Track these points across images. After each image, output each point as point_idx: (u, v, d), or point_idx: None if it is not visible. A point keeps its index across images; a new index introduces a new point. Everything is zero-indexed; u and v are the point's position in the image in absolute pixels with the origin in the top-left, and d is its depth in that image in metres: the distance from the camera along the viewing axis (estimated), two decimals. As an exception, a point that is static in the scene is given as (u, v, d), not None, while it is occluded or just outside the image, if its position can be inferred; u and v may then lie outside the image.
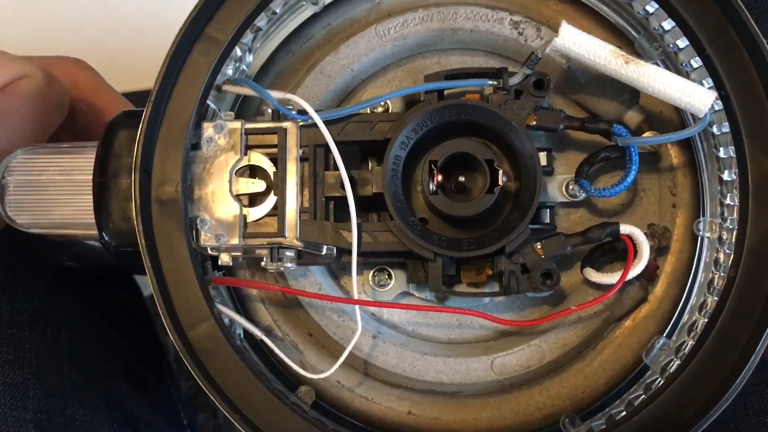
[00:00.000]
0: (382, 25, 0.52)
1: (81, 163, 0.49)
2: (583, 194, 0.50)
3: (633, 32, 0.51)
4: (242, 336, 0.50)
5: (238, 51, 0.50)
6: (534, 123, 0.48)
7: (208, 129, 0.47)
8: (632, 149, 0.47)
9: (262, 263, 0.48)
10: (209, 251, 0.47)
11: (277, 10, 0.51)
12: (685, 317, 0.49)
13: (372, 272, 0.50)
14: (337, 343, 0.50)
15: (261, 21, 0.50)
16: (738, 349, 0.43)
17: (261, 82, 0.53)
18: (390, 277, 0.50)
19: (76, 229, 0.50)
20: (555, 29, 0.51)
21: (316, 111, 0.47)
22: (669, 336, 0.49)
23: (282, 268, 0.48)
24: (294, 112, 0.47)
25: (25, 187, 0.50)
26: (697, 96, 0.45)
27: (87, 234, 0.50)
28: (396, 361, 0.49)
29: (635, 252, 0.48)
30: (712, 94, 0.45)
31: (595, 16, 0.52)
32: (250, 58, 0.52)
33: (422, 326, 0.51)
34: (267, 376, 0.48)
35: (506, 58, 0.53)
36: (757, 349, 0.41)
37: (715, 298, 0.46)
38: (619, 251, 0.49)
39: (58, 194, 0.49)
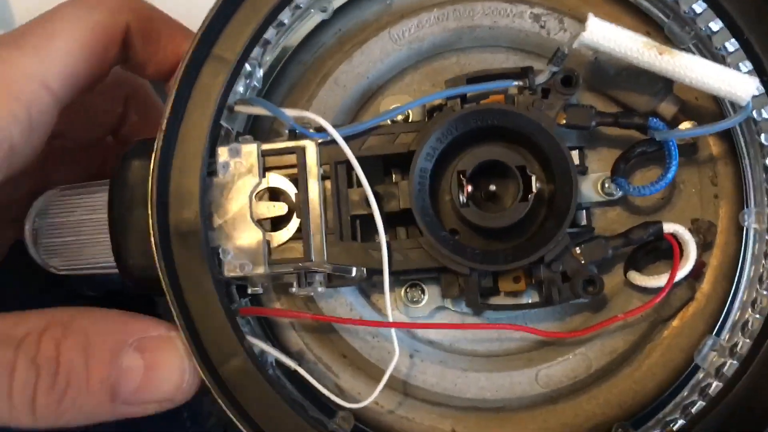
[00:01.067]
0: (395, 28, 0.50)
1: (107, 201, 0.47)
2: (620, 192, 0.47)
3: (662, 16, 0.48)
4: (274, 363, 0.48)
5: (247, 67, 0.48)
6: (564, 121, 0.45)
7: (223, 153, 0.45)
8: (671, 143, 0.45)
9: (291, 289, 0.46)
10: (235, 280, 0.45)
11: (285, 21, 0.49)
12: (736, 314, 0.46)
13: (404, 288, 0.48)
14: (372, 365, 0.48)
15: (269, 33, 0.48)
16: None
17: (273, 95, 0.51)
18: (423, 292, 0.48)
19: (106, 268, 0.49)
20: (579, 19, 0.49)
21: (334, 126, 0.45)
22: (718, 334, 0.46)
23: (311, 293, 0.46)
24: (311, 129, 0.45)
25: (56, 230, 0.49)
26: (737, 84, 0.42)
27: (114, 272, 0.48)
28: (436, 380, 0.47)
29: (681, 251, 0.45)
30: (754, 81, 0.42)
31: (621, 1, 0.49)
32: (260, 72, 0.49)
33: (460, 341, 0.49)
34: (303, 404, 0.46)
35: (529, 52, 0.50)
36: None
37: (766, 292, 0.44)
38: (662, 250, 0.47)
39: (88, 234, 0.48)
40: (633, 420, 0.46)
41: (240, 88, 0.48)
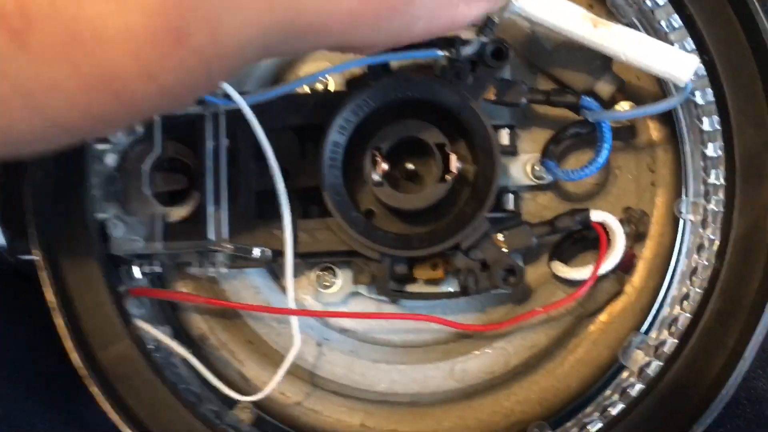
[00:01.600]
0: (319, -12, 0.45)
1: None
2: (551, 176, 0.44)
3: (606, -15, 0.45)
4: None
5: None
6: (493, 97, 0.42)
7: (116, 117, 0.41)
8: (603, 125, 0.42)
9: (189, 269, 0.42)
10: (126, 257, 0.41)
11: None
12: (666, 310, 0.43)
13: (315, 272, 0.45)
14: (278, 353, 0.44)
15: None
16: (724, 352, 0.38)
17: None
18: (336, 276, 0.45)
19: None
20: (515, -13, 0.45)
21: (243, 92, 0.41)
22: (647, 332, 0.44)
23: (213, 273, 0.43)
24: (220, 95, 0.41)
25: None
26: (676, 63, 0.39)
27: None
28: (344, 371, 0.44)
29: (609, 242, 0.42)
30: (695, 60, 0.39)
31: (563, -30, 0.46)
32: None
33: (375, 329, 0.46)
34: (198, 394, 0.42)
35: (463, 21, 0.46)
36: (745, 354, 0.36)
37: (699, 290, 0.41)
38: (591, 239, 0.44)
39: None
40: (552, 420, 0.44)
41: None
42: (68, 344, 0.37)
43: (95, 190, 0.40)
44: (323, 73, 0.43)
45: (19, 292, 0.58)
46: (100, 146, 0.41)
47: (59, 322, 0.37)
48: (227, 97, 0.41)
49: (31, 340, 0.56)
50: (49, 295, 0.38)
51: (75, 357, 0.37)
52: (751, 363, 0.38)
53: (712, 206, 0.42)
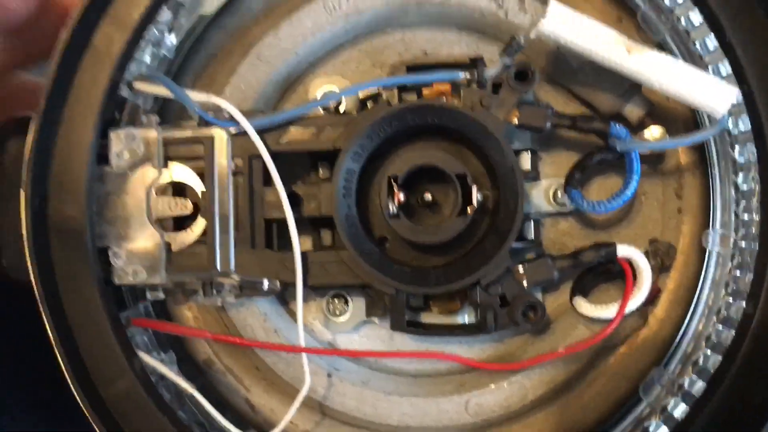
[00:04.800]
0: (332, -4, 0.43)
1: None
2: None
3: (637, 0, 0.42)
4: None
5: (155, 32, 0.41)
6: (516, 120, 0.40)
7: (117, 139, 0.39)
8: (633, 155, 0.39)
9: (194, 298, 0.40)
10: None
11: (202, -20, 0.42)
12: (688, 346, 0.42)
13: (326, 299, 0.43)
14: (287, 383, 0.43)
15: (182, -6, 0.41)
16: (750, 410, 0.36)
17: (189, 67, 0.44)
18: (347, 303, 0.43)
19: None
20: (542, 1, 0.42)
21: (252, 111, 0.39)
22: (667, 365, 0.42)
23: (219, 303, 0.41)
24: (226, 115, 0.39)
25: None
26: (714, 94, 0.37)
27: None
28: (356, 404, 0.43)
29: (635, 278, 0.40)
30: (733, 92, 0.37)
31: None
32: (172, 39, 0.42)
33: (387, 358, 0.44)
34: (205, 425, 0.41)
35: (484, 34, 0.44)
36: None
37: (722, 329, 0.39)
38: (615, 272, 0.42)
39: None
40: (568, 454, 0.42)
41: (146, 57, 0.41)
42: (70, 380, 0.36)
43: (95, 215, 0.38)
44: (332, 99, 0.40)
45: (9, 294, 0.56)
46: (101, 168, 0.39)
47: (60, 358, 0.36)
48: (233, 119, 0.39)
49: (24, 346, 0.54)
50: (49, 329, 0.36)
51: (77, 394, 0.36)
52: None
53: (741, 244, 0.40)
